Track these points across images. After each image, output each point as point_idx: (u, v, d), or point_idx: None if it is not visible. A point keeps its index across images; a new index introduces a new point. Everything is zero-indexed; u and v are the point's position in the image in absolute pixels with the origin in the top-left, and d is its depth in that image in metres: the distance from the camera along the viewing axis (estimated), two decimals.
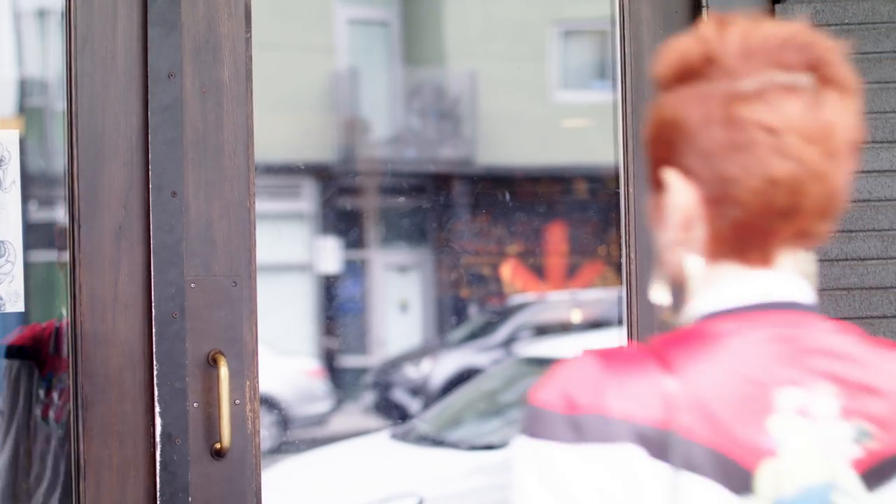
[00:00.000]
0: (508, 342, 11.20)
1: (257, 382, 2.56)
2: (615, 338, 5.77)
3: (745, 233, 1.29)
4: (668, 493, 1.22)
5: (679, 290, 1.33)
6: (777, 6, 2.80)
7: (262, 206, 2.61)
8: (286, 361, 8.98)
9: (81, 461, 2.51)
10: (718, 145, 1.27)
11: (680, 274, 1.32)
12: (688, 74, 1.30)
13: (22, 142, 2.70)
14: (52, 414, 2.97)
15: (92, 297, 2.52)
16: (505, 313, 11.54)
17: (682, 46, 1.30)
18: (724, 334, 1.27)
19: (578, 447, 1.22)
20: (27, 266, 2.74)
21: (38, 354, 3.03)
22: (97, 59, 2.54)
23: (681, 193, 1.29)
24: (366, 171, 10.54)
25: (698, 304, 1.31)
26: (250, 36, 2.62)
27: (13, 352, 3.05)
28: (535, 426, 1.25)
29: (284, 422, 8.89)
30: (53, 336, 3.01)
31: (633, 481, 1.22)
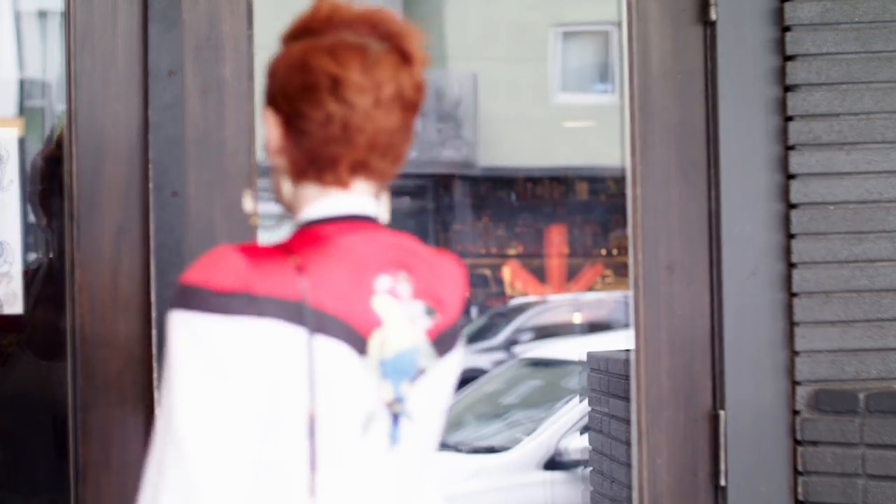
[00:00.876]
0: (509, 344, 11.18)
1: None
2: (621, 340, 5.73)
3: (315, 159, 1.63)
4: (304, 352, 1.53)
5: (286, 204, 1.69)
6: (786, 4, 2.77)
7: (263, 207, 2.57)
8: None
9: (80, 463, 2.49)
10: (295, 87, 1.62)
11: (280, 192, 1.68)
12: (292, 36, 1.65)
13: (22, 142, 2.67)
14: None
15: (91, 297, 2.49)
16: (506, 315, 11.52)
17: (296, 17, 1.65)
18: (329, 235, 1.61)
19: (229, 319, 1.51)
20: (30, 265, 2.71)
21: None
22: (97, 57, 2.52)
23: (272, 127, 1.65)
24: None
25: (302, 215, 1.65)
26: (252, 34, 2.58)
27: None
28: (190, 301, 1.53)
29: None
30: None
31: (275, 346, 1.52)
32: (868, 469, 2.69)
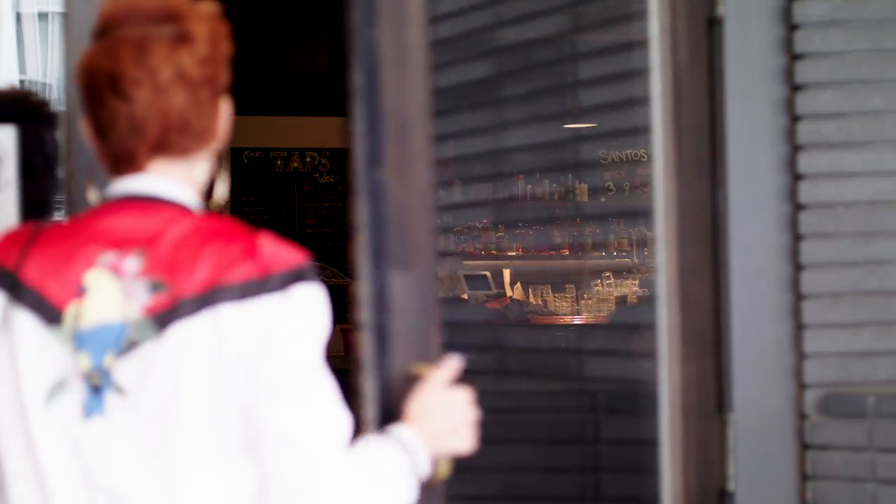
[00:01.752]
0: None
1: None
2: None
3: (114, 152, 1.71)
4: (2, 316, 1.66)
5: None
6: (795, 4, 2.74)
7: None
8: None
9: None
10: (85, 91, 1.71)
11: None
12: (89, 42, 1.73)
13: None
14: None
15: None
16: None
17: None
18: (90, 214, 1.72)
19: None
20: None
21: None
22: None
23: (85, 130, 1.74)
24: None
25: (102, 196, 1.75)
26: None
27: None
28: None
29: None
30: None
31: None
32: (878, 474, 2.66)
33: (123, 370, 1.62)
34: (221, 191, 1.78)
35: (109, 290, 1.64)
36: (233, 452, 1.62)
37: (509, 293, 8.72)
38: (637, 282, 8.10)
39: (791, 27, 2.75)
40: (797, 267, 2.74)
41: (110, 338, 1.62)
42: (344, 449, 1.63)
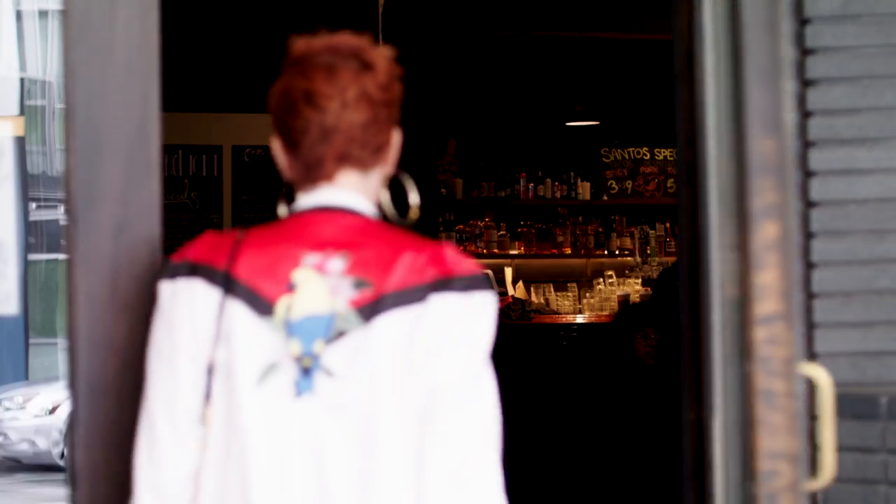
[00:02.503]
0: None
1: None
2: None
3: (307, 164, 2.00)
4: (217, 307, 1.96)
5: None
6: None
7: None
8: None
9: (75, 470, 2.41)
10: (281, 108, 2.01)
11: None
12: (281, 72, 2.04)
13: (21, 141, 2.61)
14: None
15: (89, 297, 2.42)
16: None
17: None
18: (288, 221, 2.02)
19: (172, 281, 2.01)
20: (31, 266, 2.65)
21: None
22: (95, 49, 2.45)
23: (277, 151, 2.05)
24: None
25: (292, 208, 2.05)
26: None
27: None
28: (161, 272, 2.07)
29: None
30: None
31: (197, 301, 1.97)
32: (890, 476, 2.62)
33: (332, 355, 1.90)
34: (414, 209, 2.07)
35: (317, 286, 1.93)
36: (413, 434, 1.88)
37: None
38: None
39: (802, 21, 2.71)
40: (808, 265, 2.71)
41: (319, 327, 1.92)
42: (496, 452, 1.88)
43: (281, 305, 1.93)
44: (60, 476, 10.66)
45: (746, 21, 1.74)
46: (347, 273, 1.93)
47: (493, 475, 1.86)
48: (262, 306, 1.94)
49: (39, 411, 11.81)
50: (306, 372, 1.91)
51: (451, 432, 1.86)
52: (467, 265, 1.93)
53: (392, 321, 1.90)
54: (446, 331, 1.89)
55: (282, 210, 2.11)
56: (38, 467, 11.72)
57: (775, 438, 1.75)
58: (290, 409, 1.91)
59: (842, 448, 2.66)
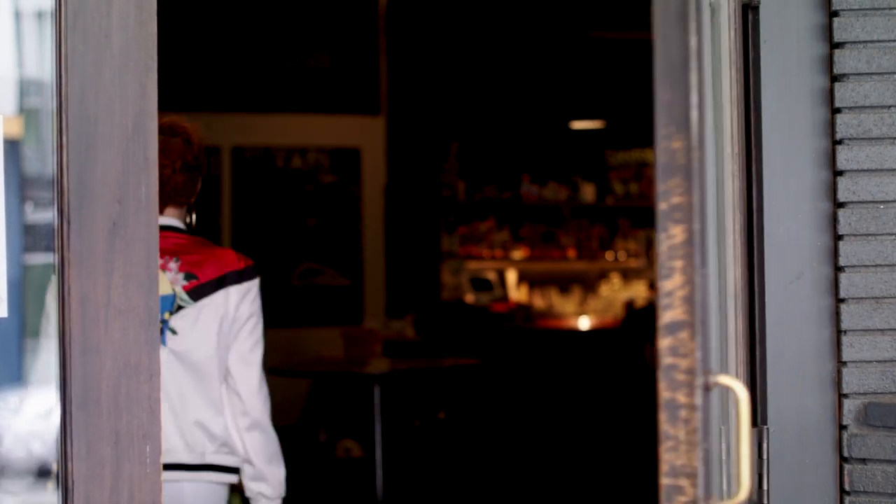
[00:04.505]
0: None
1: None
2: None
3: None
4: None
5: None
6: None
7: None
8: None
9: (70, 479, 2.37)
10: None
11: None
12: None
13: (16, 142, 2.57)
14: None
15: (83, 300, 2.35)
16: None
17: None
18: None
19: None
20: (26, 270, 2.59)
21: None
22: (90, 39, 2.37)
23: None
24: None
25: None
26: None
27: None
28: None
29: None
30: None
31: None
32: None
33: (175, 320, 3.15)
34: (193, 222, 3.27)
35: (165, 278, 3.13)
36: (222, 368, 3.19)
37: None
38: None
39: (831, 14, 2.66)
40: (836, 268, 2.64)
41: (167, 303, 3.13)
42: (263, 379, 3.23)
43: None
44: (54, 481, 10.67)
45: (657, 10, 1.67)
46: (181, 270, 3.17)
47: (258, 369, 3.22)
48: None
49: (33, 415, 11.83)
50: (163, 330, 3.04)
51: (244, 370, 3.18)
52: (247, 262, 3.22)
53: (212, 300, 3.17)
54: (240, 306, 3.18)
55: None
56: (31, 472, 11.73)
57: (677, 453, 1.66)
58: (163, 353, 2.99)
59: (870, 460, 2.58)
